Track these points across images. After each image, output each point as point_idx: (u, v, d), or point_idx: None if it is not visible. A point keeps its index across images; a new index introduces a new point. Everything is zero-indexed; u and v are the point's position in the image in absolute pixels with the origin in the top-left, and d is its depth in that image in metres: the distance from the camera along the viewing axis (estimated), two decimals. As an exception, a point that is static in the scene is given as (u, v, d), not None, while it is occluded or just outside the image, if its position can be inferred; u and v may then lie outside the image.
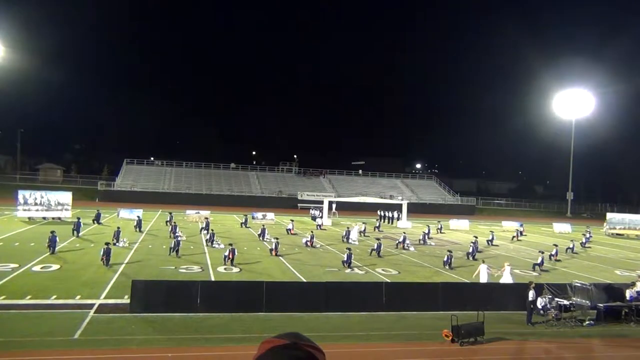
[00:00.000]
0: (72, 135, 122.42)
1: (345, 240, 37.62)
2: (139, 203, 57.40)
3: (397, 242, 36.87)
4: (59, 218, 42.30)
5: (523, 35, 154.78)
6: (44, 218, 41.93)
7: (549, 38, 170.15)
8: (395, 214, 57.29)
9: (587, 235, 45.43)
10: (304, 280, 23.20)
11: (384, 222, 55.01)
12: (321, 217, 51.13)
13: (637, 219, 59.02)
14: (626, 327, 19.15)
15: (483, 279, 23.22)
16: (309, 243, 34.54)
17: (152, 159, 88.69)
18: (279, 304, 18.21)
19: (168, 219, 42.20)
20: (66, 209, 43.13)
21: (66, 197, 43.80)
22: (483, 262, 25.14)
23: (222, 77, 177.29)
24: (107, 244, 25.52)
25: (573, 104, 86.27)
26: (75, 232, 33.77)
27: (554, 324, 18.56)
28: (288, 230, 41.82)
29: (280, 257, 29.35)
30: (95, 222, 41.23)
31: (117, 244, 30.10)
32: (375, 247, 31.96)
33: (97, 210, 43.36)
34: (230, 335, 15.55)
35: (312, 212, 57.18)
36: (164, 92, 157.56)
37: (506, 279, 22.93)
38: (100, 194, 68.78)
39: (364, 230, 43.20)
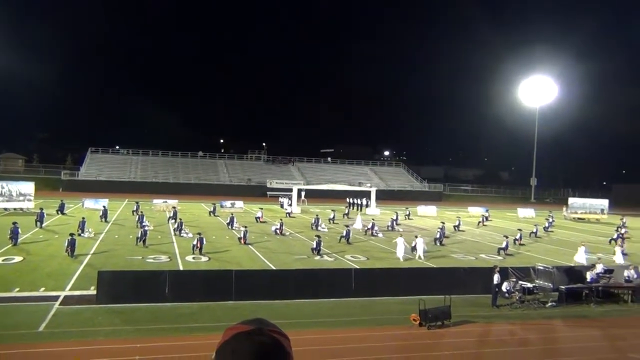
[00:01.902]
0: (34, 123, 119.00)
1: (314, 227, 37.73)
2: (105, 193, 56.24)
3: (365, 228, 37.19)
4: (21, 209, 41.19)
5: (488, 24, 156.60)
6: (5, 209, 40.73)
7: (514, 26, 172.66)
8: (364, 201, 57.68)
9: (550, 220, 46.61)
10: (274, 268, 23.22)
11: (353, 209, 55.33)
12: (290, 205, 51.10)
13: (597, 204, 60.86)
14: (587, 308, 19.80)
15: (400, 251, 26.80)
16: (278, 231, 34.51)
17: (117, 147, 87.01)
18: (249, 292, 18.20)
19: (135, 209, 41.55)
20: (28, 200, 42.04)
21: (28, 187, 42.68)
22: (400, 236, 28.25)
23: (189, 65, 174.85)
24: (71, 234, 25.06)
25: (537, 91, 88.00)
26: (38, 223, 32.99)
27: (518, 306, 19.06)
28: (257, 218, 41.69)
29: (250, 246, 29.27)
30: (59, 212, 40.27)
31: (82, 234, 29.52)
32: (344, 233, 32.18)
33: (61, 201, 42.36)
34: (200, 324, 15.49)
35: (281, 200, 57.08)
36: (129, 79, 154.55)
37: (399, 249, 26.91)
38: (64, 183, 67.24)
39: (333, 217, 43.41)
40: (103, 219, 37.35)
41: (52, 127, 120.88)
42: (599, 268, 22.12)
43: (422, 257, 27.27)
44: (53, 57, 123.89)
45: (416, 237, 28.88)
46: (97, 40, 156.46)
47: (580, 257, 27.43)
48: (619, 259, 28.38)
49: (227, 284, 18.24)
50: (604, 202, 60.86)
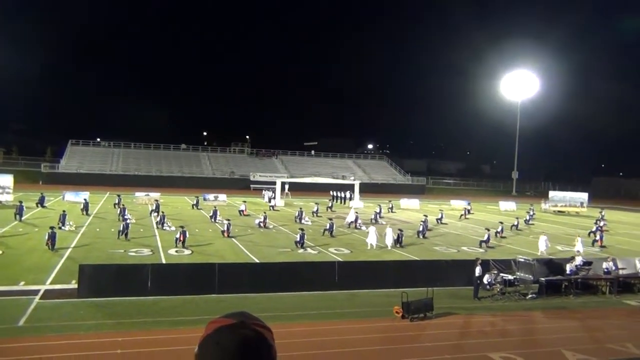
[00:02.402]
0: (13, 114, 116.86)
1: (298, 220, 37.72)
2: (86, 185, 55.47)
3: (349, 222, 37.26)
4: (0, 202, 40.53)
5: (471, 19, 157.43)
6: (-17, 202, 40.12)
7: (496, 21, 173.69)
8: (348, 194, 57.79)
9: (531, 213, 47.16)
10: (257, 261, 23.19)
11: (336, 202, 55.42)
12: (274, 198, 51.02)
13: (577, 197, 61.73)
14: (566, 299, 20.12)
15: (370, 239, 27.96)
16: (261, 224, 34.45)
17: (98, 139, 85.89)
18: (232, 286, 18.16)
19: (116, 202, 41.15)
20: (7, 192, 41.39)
21: (7, 180, 42.04)
22: (372, 225, 30.15)
23: (172, 57, 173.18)
24: (52, 228, 24.73)
25: (519, 85, 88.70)
26: (17, 216, 32.48)
27: (499, 298, 19.31)
28: (240, 211, 41.55)
29: (233, 239, 29.20)
30: (39, 205, 39.72)
31: (62, 227, 29.14)
32: (328, 227, 32.23)
33: (41, 194, 41.75)
34: (183, 317, 15.42)
35: (264, 192, 56.93)
36: (111, 70, 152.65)
37: (370, 237, 28.13)
38: (44, 176, 66.25)
39: (317, 210, 43.43)
40: (84, 212, 36.93)
41: (32, 118, 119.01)
42: (578, 260, 22.49)
43: (389, 245, 28.09)
44: (32, 48, 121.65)
45: (399, 230, 29.10)
46: (78, 32, 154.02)
47: (541, 246, 28.68)
48: (579, 247, 29.03)
49: (210, 278, 18.19)
50: (584, 195, 61.75)
